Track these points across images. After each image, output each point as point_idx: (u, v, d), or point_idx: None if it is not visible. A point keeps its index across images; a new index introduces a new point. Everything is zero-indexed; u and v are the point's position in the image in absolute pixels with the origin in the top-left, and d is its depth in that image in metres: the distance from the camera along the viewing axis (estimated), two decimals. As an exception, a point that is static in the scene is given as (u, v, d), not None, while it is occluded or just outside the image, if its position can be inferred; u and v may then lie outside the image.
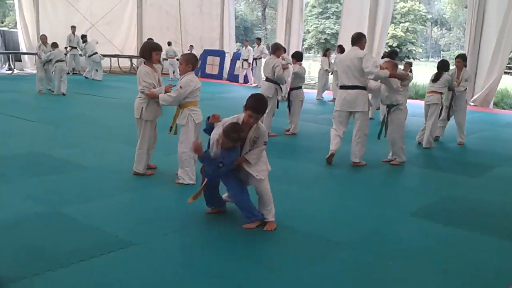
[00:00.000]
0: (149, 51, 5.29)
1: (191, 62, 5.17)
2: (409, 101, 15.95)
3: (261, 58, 17.56)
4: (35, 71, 18.10)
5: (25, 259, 3.28)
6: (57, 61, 12.69)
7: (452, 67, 8.66)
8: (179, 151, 5.22)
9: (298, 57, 8.98)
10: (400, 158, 6.71)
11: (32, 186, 4.88)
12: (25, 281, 2.98)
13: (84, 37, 17.44)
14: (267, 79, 8.39)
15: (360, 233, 4.12)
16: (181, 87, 5.09)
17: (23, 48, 19.34)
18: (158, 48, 5.34)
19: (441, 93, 8.08)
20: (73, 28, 17.81)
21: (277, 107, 8.46)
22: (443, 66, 8.24)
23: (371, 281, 3.29)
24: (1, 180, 5.01)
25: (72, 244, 3.56)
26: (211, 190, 4.18)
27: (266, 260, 3.52)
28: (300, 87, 8.79)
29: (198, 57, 20.42)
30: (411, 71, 9.13)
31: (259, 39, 19.05)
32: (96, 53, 17.00)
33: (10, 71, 18.37)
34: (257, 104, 3.92)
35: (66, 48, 17.06)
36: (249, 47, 18.83)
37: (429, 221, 4.55)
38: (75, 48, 17.98)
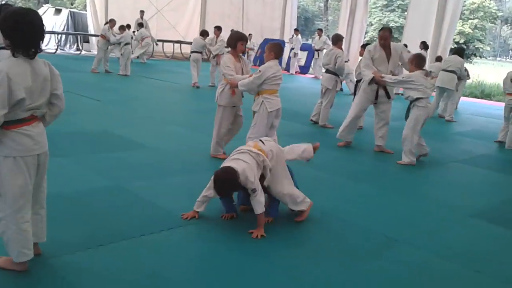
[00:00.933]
0: (235, 40, 5.44)
1: (273, 50, 5.20)
2: (475, 100, 15.51)
3: (323, 49, 17.39)
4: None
5: (91, 229, 3.45)
6: (125, 44, 13.27)
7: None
8: (247, 135, 5.30)
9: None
10: (407, 158, 6.19)
11: (98, 162, 5.10)
12: (90, 251, 3.14)
13: (140, 25, 17.55)
14: (327, 71, 8.34)
15: (418, 231, 4.05)
16: (259, 71, 5.15)
17: (91, 30, 20.06)
18: (243, 39, 5.51)
19: None
20: (142, 12, 18.29)
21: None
22: None
23: (428, 280, 3.23)
24: (69, 154, 5.26)
25: (134, 219, 3.71)
26: (227, 199, 3.96)
27: (321, 252, 3.51)
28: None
29: (258, 46, 20.72)
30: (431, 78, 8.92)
31: (320, 30, 18.86)
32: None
33: (78, 52, 19.13)
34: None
35: (133, 32, 17.54)
36: (297, 37, 18.74)
37: (489, 223, 4.40)
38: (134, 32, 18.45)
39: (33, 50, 2.64)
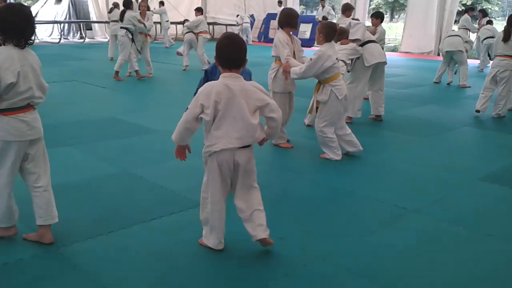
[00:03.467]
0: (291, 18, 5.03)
1: (323, 32, 4.76)
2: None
3: (327, 19, 17.14)
4: (105, 39, 18.80)
5: (101, 216, 3.48)
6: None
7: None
8: (316, 127, 4.97)
9: (379, 16, 8.51)
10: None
11: (105, 149, 5.12)
12: (101, 237, 3.16)
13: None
14: None
15: (428, 199, 4.02)
16: (311, 59, 4.73)
17: (93, 17, 20.02)
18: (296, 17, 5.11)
19: None
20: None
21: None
22: None
23: (440, 246, 3.22)
24: (77, 142, 5.28)
25: (143, 203, 3.73)
26: None
27: (331, 224, 3.52)
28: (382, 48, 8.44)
29: (261, 21, 20.51)
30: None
31: (323, 0, 18.60)
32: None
33: (82, 40, 19.11)
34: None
35: None
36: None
37: (501, 185, 4.36)
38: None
39: (23, 40, 2.79)
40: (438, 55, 16.50)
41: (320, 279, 2.77)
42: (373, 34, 7.91)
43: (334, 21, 17.53)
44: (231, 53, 2.80)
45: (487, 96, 7.26)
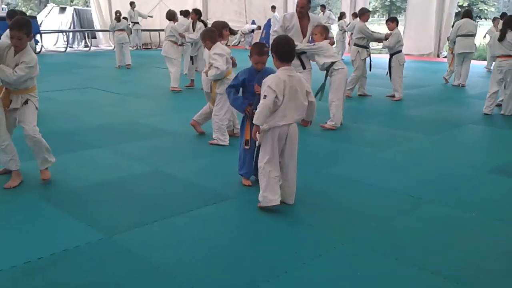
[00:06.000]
0: (221, 28, 5.72)
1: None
2: (484, 62, 15.57)
3: (328, 24, 17.49)
4: (109, 47, 19.14)
5: (142, 209, 3.78)
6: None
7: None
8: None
9: (394, 20, 8.99)
10: (331, 122, 6.40)
11: (133, 150, 5.41)
12: (147, 226, 3.46)
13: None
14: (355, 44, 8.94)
15: (441, 190, 4.32)
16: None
17: (97, 25, 20.33)
18: (227, 26, 5.85)
19: None
20: (132, 4, 18.29)
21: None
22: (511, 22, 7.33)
23: (456, 231, 3.52)
24: (103, 145, 5.58)
25: (179, 197, 4.04)
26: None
27: (354, 213, 3.81)
28: (400, 51, 8.82)
29: (262, 26, 20.84)
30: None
31: (323, 6, 18.95)
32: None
33: (87, 48, 19.43)
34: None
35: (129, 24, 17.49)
36: (274, 14, 19.44)
37: (508, 177, 4.68)
38: (137, 23, 18.64)
39: None
40: (438, 56, 16.85)
41: (349, 258, 3.07)
42: (388, 37, 8.47)
43: (335, 25, 18.03)
44: (288, 49, 3.67)
45: (493, 98, 7.55)
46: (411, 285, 2.79)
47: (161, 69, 13.26)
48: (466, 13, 10.91)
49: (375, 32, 9.03)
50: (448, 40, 11.08)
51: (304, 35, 6.37)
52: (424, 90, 10.11)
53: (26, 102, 4.14)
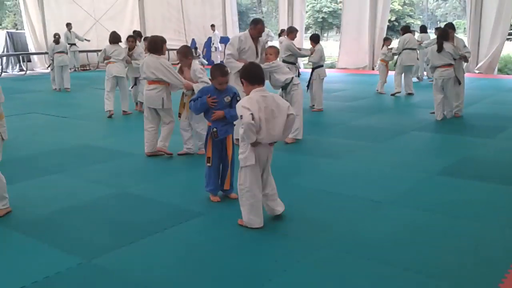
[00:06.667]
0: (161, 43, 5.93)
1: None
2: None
3: (267, 41, 17.91)
4: (45, 71, 18.57)
5: (116, 231, 3.79)
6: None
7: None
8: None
9: (315, 39, 9.45)
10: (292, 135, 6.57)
11: (93, 173, 5.37)
12: (124, 248, 3.48)
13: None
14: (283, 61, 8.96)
15: (397, 193, 4.61)
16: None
17: (31, 48, 19.70)
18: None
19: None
20: (68, 25, 17.95)
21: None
22: (445, 34, 8.01)
23: (418, 229, 3.80)
24: (62, 169, 5.49)
25: (151, 217, 4.06)
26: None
27: (320, 221, 4.00)
28: (322, 66, 9.31)
29: (203, 45, 21.04)
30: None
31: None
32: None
33: (23, 72, 18.78)
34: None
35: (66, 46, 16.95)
36: (215, 32, 20.08)
37: (455, 178, 5.06)
38: (74, 44, 18.26)
39: None
40: (373, 69, 17.67)
41: (326, 262, 3.26)
42: (312, 53, 8.98)
43: (273, 43, 18.50)
44: (259, 72, 3.84)
45: (441, 105, 8.14)
46: (387, 281, 2.99)
47: (101, 90, 13.09)
48: (408, 29, 11.87)
49: (301, 49, 9.54)
50: (385, 53, 11.72)
51: (257, 56, 6.58)
52: (365, 102, 10.59)
53: None
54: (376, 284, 2.98)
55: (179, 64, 5.97)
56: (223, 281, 3.01)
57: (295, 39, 9.57)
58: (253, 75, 3.78)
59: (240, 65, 6.04)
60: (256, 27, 6.41)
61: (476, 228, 3.82)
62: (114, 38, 9.26)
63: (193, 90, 5.61)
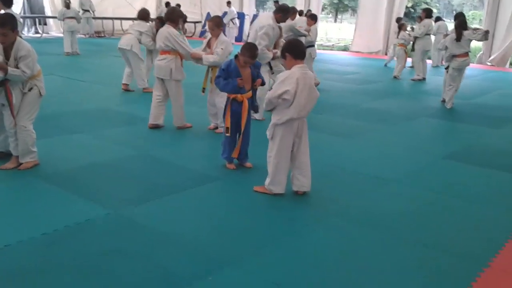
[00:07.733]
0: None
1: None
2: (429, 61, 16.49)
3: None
4: (60, 34, 18.73)
5: (140, 188, 4.08)
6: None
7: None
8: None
9: (315, 17, 9.95)
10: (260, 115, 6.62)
11: (115, 135, 5.63)
12: (149, 203, 3.76)
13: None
14: None
15: (402, 172, 4.86)
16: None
17: (48, 11, 19.85)
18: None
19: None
20: None
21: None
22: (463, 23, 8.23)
23: (422, 207, 4.04)
24: (85, 130, 5.74)
25: (171, 178, 4.33)
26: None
27: (325, 193, 4.25)
28: (313, 45, 9.80)
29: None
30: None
31: (276, 2, 19.41)
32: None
33: (39, 35, 18.96)
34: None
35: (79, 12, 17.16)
36: (230, 8, 19.91)
37: (459, 162, 5.30)
38: (88, 11, 18.41)
39: None
40: (386, 54, 17.73)
41: (338, 229, 3.52)
42: (308, 32, 9.47)
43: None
44: (303, 48, 3.97)
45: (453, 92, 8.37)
46: (389, 248, 3.26)
47: (118, 58, 13.29)
48: (431, 13, 12.44)
49: (300, 30, 9.65)
50: (405, 37, 11.97)
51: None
52: (377, 85, 10.75)
53: (30, 89, 4.26)
54: (378, 249, 3.24)
55: (206, 38, 6.09)
56: (241, 238, 3.28)
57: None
58: (298, 51, 3.89)
59: (271, 55, 6.38)
60: (287, 15, 6.53)
61: (477, 209, 4.06)
62: (142, 14, 8.78)
63: (201, 59, 5.74)
